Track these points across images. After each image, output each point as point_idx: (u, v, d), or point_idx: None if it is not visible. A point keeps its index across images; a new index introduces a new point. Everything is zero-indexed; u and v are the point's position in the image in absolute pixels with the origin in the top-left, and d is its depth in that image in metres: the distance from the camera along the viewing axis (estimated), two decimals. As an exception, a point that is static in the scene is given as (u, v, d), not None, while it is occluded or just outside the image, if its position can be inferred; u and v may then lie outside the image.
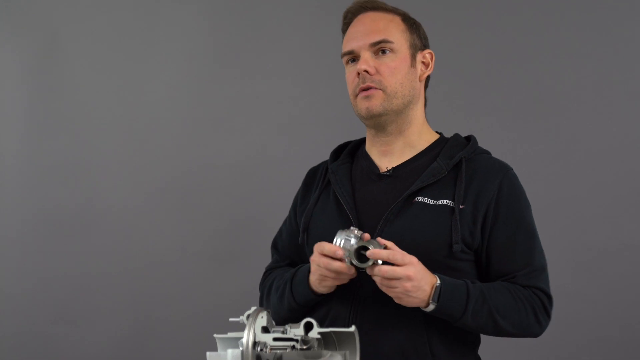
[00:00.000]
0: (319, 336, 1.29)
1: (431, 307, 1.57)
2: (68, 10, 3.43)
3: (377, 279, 1.55)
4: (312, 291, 1.67)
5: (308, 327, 1.29)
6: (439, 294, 1.56)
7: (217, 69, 3.33)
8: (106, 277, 3.34)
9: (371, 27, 1.71)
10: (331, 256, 1.57)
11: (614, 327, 2.91)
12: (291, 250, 1.87)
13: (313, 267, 1.63)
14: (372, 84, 1.68)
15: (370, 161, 1.78)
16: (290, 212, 1.92)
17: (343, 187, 1.75)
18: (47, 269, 3.40)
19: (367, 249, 1.54)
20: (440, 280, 1.57)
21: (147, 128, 3.36)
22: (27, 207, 3.45)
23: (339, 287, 1.65)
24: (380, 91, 1.68)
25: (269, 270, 1.92)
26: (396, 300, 1.57)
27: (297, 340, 1.28)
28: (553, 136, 3.01)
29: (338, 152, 1.87)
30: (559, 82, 3.01)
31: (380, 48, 1.69)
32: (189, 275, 3.28)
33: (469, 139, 1.80)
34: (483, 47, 3.09)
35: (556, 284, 2.87)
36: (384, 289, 1.56)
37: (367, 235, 1.59)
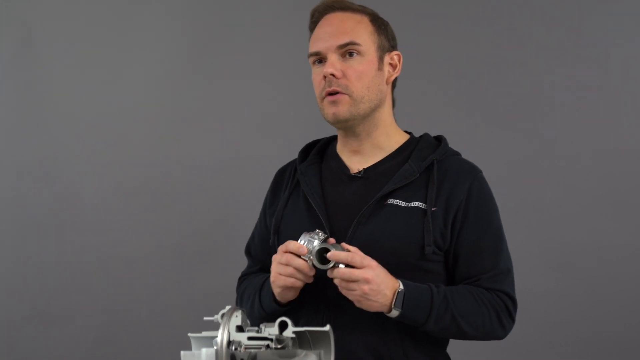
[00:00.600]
0: (293, 335, 1.29)
1: (394, 312, 1.58)
2: (42, 9, 3.40)
3: (336, 282, 1.56)
4: (276, 301, 1.67)
5: (283, 327, 1.29)
6: (403, 300, 1.57)
7: (192, 69, 3.32)
8: (79, 276, 3.32)
9: (339, 28, 1.68)
10: (295, 253, 1.58)
11: (591, 327, 2.95)
12: (263, 254, 1.86)
13: (273, 265, 1.63)
14: (339, 89, 1.66)
15: (341, 161, 1.77)
16: (260, 214, 1.90)
17: (313, 188, 1.74)
18: (20, 268, 3.37)
19: (328, 250, 1.56)
20: (404, 286, 1.58)
21: (122, 127, 3.34)
22: (1, 204, 3.41)
23: (309, 293, 1.65)
24: (347, 96, 1.67)
25: (243, 277, 1.91)
26: (356, 304, 1.57)
27: (271, 340, 1.27)
28: (531, 138, 3.04)
29: (306, 151, 1.85)
30: (535, 84, 3.05)
31: (347, 50, 1.67)
32: (163, 274, 3.27)
33: (439, 139, 1.80)
34: (459, 47, 3.11)
35: (534, 285, 2.93)
36: (343, 292, 1.57)
37: (332, 240, 1.60)
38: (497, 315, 1.66)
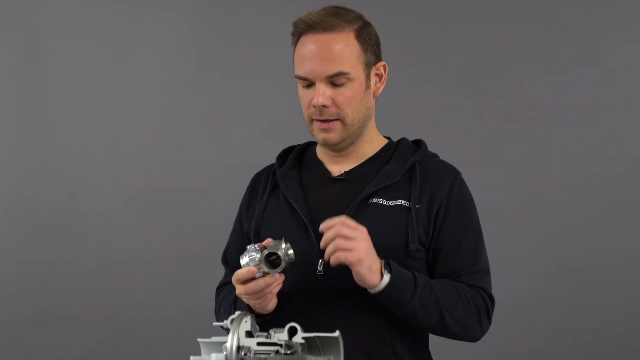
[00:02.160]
0: (302, 341, 1.29)
1: (385, 279, 1.55)
2: (49, 13, 3.41)
3: (331, 247, 1.52)
4: (256, 313, 1.65)
5: (292, 332, 1.29)
6: (390, 269, 1.56)
7: (198, 75, 3.32)
8: (86, 280, 3.32)
9: (327, 55, 1.64)
10: (249, 278, 1.55)
11: (590, 333, 2.95)
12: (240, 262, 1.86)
13: (245, 299, 1.61)
14: (330, 117, 1.66)
15: (322, 166, 1.78)
16: (235, 223, 1.89)
17: (294, 191, 1.73)
18: (24, 272, 3.37)
19: (274, 254, 1.53)
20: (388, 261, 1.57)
21: (129, 131, 3.34)
22: (7, 208, 3.42)
23: (294, 296, 1.64)
24: (339, 122, 1.67)
25: (220, 287, 1.90)
26: (351, 266, 1.53)
27: (281, 345, 1.28)
28: (532, 142, 3.04)
29: (284, 156, 1.85)
30: (539, 88, 3.05)
31: (336, 79, 1.65)
32: (171, 278, 3.27)
33: (417, 142, 1.81)
34: (460, 50, 3.11)
35: (535, 290, 2.93)
36: (339, 258, 1.52)
37: (267, 240, 1.58)
38: (477, 312, 1.66)
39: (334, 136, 1.69)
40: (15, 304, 3.38)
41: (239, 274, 1.56)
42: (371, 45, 1.71)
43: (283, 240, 1.55)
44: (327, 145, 1.71)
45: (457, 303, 1.63)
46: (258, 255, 1.53)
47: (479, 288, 1.68)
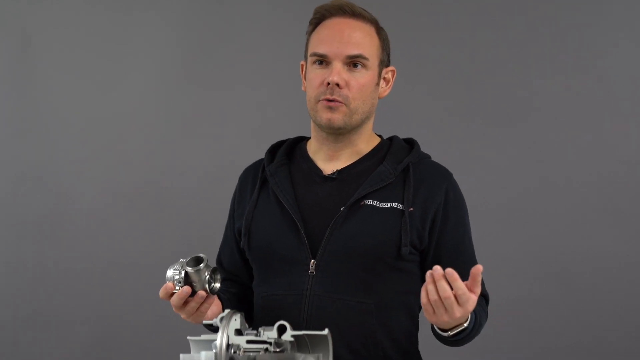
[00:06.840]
0: (292, 339, 1.30)
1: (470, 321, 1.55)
2: (39, 18, 3.40)
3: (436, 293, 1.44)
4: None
5: (281, 330, 1.30)
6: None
7: (188, 75, 3.32)
8: (76, 281, 3.31)
9: (350, 37, 1.67)
10: (168, 293, 1.60)
11: (580, 335, 2.96)
12: (231, 264, 1.85)
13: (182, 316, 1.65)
14: (339, 98, 1.66)
15: (312, 163, 1.77)
16: (227, 223, 1.88)
17: (285, 189, 1.72)
18: (15, 273, 3.36)
19: (199, 260, 1.58)
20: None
21: (119, 133, 3.34)
22: (-3, 210, 3.42)
23: (285, 295, 1.65)
24: (344, 105, 1.67)
25: None
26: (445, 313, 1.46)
27: (270, 343, 1.29)
28: (525, 145, 3.05)
29: (273, 152, 1.84)
30: (531, 92, 3.06)
31: (354, 62, 1.67)
32: (161, 278, 3.24)
33: (410, 142, 1.81)
34: (452, 54, 3.12)
35: (527, 293, 2.94)
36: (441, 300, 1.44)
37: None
38: (486, 319, 1.70)
39: (338, 117, 1.67)
40: (4, 304, 3.37)
41: (160, 293, 1.62)
42: (386, 46, 1.75)
43: (210, 270, 1.57)
44: (331, 127, 1.69)
45: (483, 321, 1.66)
46: (181, 267, 1.60)
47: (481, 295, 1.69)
